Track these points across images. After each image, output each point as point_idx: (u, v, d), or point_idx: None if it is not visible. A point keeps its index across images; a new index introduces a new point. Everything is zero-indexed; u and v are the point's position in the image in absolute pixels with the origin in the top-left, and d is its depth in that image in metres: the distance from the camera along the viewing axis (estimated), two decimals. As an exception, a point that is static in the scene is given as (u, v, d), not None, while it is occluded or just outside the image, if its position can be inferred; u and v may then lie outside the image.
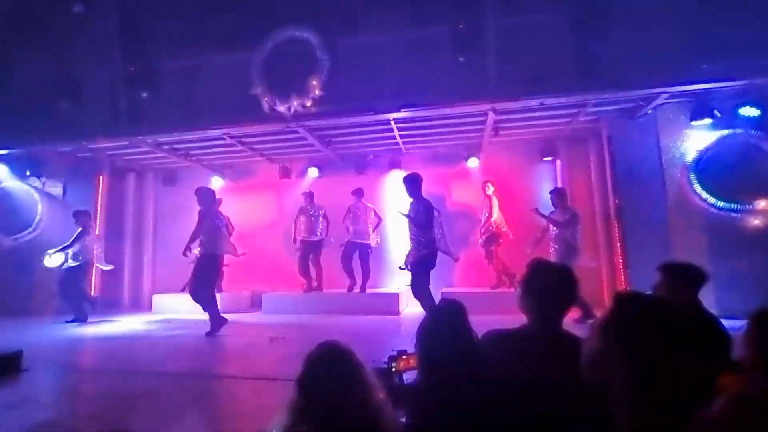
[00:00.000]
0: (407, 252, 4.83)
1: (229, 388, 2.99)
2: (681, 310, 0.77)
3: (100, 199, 7.58)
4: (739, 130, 5.26)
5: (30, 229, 7.30)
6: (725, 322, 2.02)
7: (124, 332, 5.30)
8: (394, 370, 1.86)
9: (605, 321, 0.84)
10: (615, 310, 0.85)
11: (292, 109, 5.78)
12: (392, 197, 7.02)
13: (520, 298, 1.66)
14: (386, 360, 1.92)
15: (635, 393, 0.75)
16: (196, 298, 4.86)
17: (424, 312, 4.57)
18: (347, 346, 1.20)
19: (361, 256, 6.69)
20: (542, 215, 5.46)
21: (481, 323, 1.54)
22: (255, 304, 7.54)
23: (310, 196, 6.99)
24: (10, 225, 7.37)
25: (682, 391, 0.72)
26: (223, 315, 4.96)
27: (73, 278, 6.16)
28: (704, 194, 5.34)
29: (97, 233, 6.72)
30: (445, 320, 1.53)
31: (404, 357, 1.88)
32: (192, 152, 7.43)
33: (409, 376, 1.89)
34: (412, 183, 4.76)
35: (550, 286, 1.58)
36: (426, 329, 1.53)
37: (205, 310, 4.85)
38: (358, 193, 6.79)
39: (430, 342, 1.51)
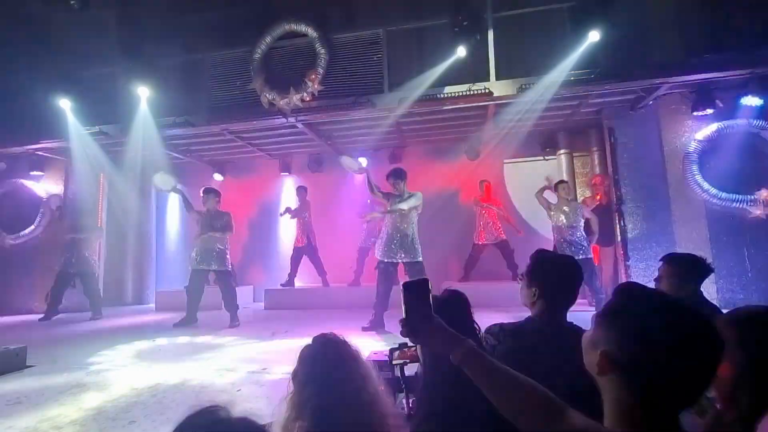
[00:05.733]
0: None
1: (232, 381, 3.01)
2: (678, 308, 0.76)
3: (101, 195, 7.59)
4: (740, 120, 5.24)
5: (32, 228, 7.33)
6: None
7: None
8: (395, 362, 1.87)
9: (601, 310, 0.85)
10: (612, 300, 0.86)
11: (291, 104, 5.76)
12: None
13: (523, 289, 1.66)
14: (387, 352, 1.93)
15: (618, 383, 0.76)
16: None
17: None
18: (341, 338, 1.21)
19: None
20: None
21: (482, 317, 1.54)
22: (257, 298, 7.59)
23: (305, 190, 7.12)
24: (12, 224, 7.39)
25: (665, 389, 0.72)
26: None
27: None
28: (706, 185, 5.33)
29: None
30: (449, 311, 1.54)
31: (405, 349, 1.89)
32: (192, 148, 7.43)
33: (409, 369, 1.90)
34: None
35: (554, 276, 1.58)
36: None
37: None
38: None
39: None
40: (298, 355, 1.19)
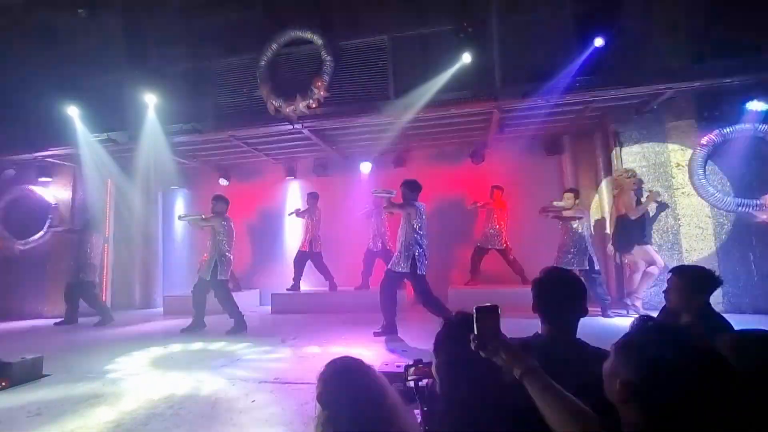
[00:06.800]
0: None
1: (246, 391, 3.06)
2: (692, 345, 0.81)
3: (108, 201, 7.66)
4: (746, 125, 5.24)
5: (41, 234, 7.40)
6: (732, 318, 2.08)
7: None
8: (410, 378, 1.91)
9: (620, 342, 0.91)
10: (630, 333, 0.91)
11: (297, 111, 5.81)
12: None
13: (533, 303, 1.70)
14: (403, 369, 1.97)
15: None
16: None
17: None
18: (357, 359, 1.28)
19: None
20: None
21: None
22: (264, 302, 7.64)
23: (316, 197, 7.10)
24: (21, 229, 7.47)
25: (679, 419, 0.76)
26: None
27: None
28: (711, 189, 5.34)
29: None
30: (463, 330, 1.58)
31: (420, 366, 1.92)
32: (198, 153, 7.48)
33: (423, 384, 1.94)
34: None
35: (552, 295, 1.61)
36: (444, 337, 1.57)
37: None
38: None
39: (448, 351, 1.55)
40: (318, 379, 1.25)
